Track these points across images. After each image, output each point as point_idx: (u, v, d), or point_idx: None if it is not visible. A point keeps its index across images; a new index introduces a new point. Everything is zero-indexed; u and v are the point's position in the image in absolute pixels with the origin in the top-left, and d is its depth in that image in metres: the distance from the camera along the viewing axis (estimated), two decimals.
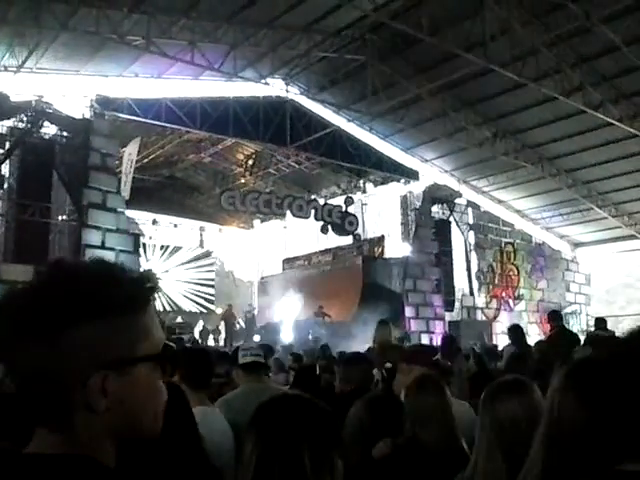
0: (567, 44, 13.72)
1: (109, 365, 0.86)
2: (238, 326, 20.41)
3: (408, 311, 19.15)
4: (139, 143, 17.66)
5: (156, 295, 0.97)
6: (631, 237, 22.72)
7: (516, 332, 7.96)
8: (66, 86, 15.27)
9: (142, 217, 22.73)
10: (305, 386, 4.06)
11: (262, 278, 25.46)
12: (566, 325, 15.75)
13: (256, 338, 18.04)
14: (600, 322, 9.60)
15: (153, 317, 0.95)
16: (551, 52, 13.60)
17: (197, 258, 25.31)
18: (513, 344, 7.74)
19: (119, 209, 15.01)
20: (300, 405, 1.70)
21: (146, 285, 0.96)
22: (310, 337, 15.44)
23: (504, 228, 23.04)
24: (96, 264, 0.96)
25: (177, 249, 24.70)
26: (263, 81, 16.39)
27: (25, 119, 14.12)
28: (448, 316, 20.32)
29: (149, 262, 23.01)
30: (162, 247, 24.18)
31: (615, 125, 15.48)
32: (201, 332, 20.52)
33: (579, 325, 22.33)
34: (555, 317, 8.63)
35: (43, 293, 0.89)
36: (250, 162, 22.25)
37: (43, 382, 0.86)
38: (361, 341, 14.02)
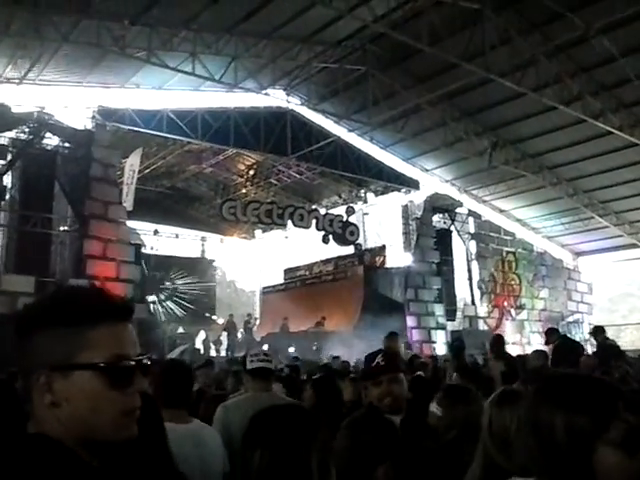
0: (566, 54, 13.78)
1: (53, 367, 1.04)
2: (240, 336, 20.37)
3: (410, 321, 19.09)
4: (141, 154, 17.71)
5: (118, 314, 1.12)
6: (633, 246, 22.69)
7: (497, 343, 7.95)
8: (68, 97, 15.40)
9: (143, 227, 22.72)
10: (325, 398, 4.02)
11: (263, 288, 25.46)
12: (568, 334, 15.76)
13: (264, 347, 18.05)
14: (599, 331, 9.52)
15: (110, 332, 1.09)
16: (550, 62, 13.64)
17: (198, 268, 25.28)
18: (495, 354, 7.72)
19: (120, 220, 15.03)
20: (302, 415, 1.71)
21: (98, 304, 1.10)
22: (314, 347, 15.41)
23: (505, 237, 23.02)
24: (69, 287, 1.24)
25: (178, 259, 24.68)
26: (264, 92, 16.46)
27: (27, 130, 14.19)
28: (450, 326, 20.27)
29: (150, 272, 23.03)
30: (163, 257, 24.16)
31: (615, 134, 15.51)
32: (203, 342, 20.48)
33: (581, 334, 22.25)
34: (552, 333, 8.68)
35: (25, 307, 1.12)
36: (251, 172, 22.31)
37: (20, 376, 1.10)
38: (363, 350, 14.01)
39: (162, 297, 23.47)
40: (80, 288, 1.17)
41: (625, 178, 18.56)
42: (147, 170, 19.81)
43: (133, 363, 1.09)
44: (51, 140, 14.77)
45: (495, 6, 12.34)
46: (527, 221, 23.29)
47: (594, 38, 12.47)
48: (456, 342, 9.94)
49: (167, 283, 23.87)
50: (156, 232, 23.91)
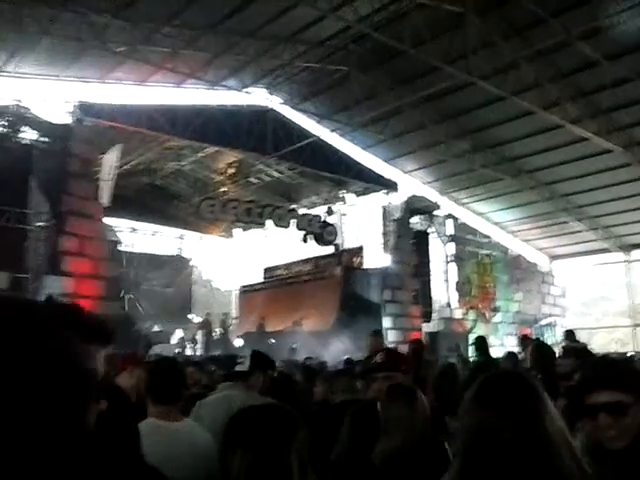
0: (547, 59, 13.93)
1: None
2: (216, 335, 20.28)
3: (386, 322, 19.17)
4: (120, 150, 17.50)
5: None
6: (606, 250, 23.06)
7: (481, 343, 8.06)
8: (47, 91, 15.15)
9: (121, 224, 22.53)
10: (281, 395, 4.05)
11: (242, 287, 25.37)
12: (540, 337, 16.01)
13: (239, 342, 18.15)
14: (570, 335, 9.79)
15: None
16: (531, 66, 13.79)
17: (176, 266, 25.12)
18: (480, 355, 7.84)
19: (97, 216, 14.85)
20: (282, 414, 1.70)
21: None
22: (294, 347, 15.41)
23: (482, 240, 23.22)
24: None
25: (156, 257, 24.50)
26: (246, 90, 16.41)
27: (3, 123, 13.95)
28: (426, 327, 20.38)
29: (127, 270, 22.81)
30: (140, 255, 23.96)
31: (592, 140, 15.73)
32: (179, 341, 20.35)
33: (554, 337, 22.55)
34: (525, 339, 8.86)
35: None
36: (231, 170, 22.16)
37: None
38: (340, 351, 14.03)
39: (138, 295, 23.27)
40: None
41: (601, 183, 18.82)
42: (126, 166, 19.60)
43: None
44: (28, 134, 14.54)
45: (478, 10, 12.43)
46: (504, 224, 23.52)
47: (574, 44, 12.64)
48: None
49: (144, 281, 23.66)
50: (134, 229, 23.73)
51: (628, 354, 15.67)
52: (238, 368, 3.69)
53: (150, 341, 16.97)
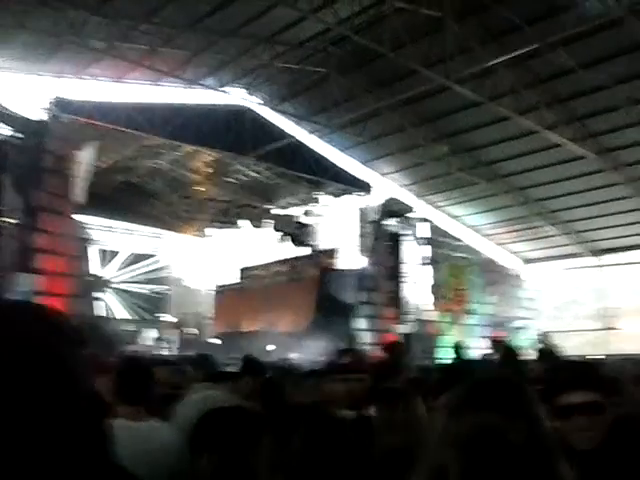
0: (523, 65, 14.10)
1: None
2: (191, 334, 20.18)
3: (361, 323, 19.24)
4: (96, 147, 17.30)
5: None
6: (578, 255, 23.39)
7: (459, 348, 8.17)
8: (22, 86, 14.92)
9: (95, 222, 22.26)
10: (268, 399, 4.04)
11: (217, 287, 25.26)
12: (514, 340, 16.17)
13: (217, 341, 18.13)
14: (545, 337, 9.94)
15: None
16: (508, 72, 13.94)
17: (150, 265, 24.92)
18: (457, 359, 7.93)
19: (71, 214, 14.68)
20: (246, 417, 1.70)
21: None
22: (269, 347, 15.40)
23: (457, 243, 23.39)
24: None
25: (130, 256, 24.28)
26: (224, 89, 16.33)
27: None
28: (400, 329, 20.47)
29: (101, 268, 22.59)
30: (114, 253, 23.74)
31: (567, 146, 15.95)
32: (154, 341, 20.20)
33: (527, 340, 22.80)
34: (497, 342, 8.97)
35: None
36: (208, 170, 22.06)
37: None
38: (315, 352, 14.06)
39: (111, 294, 23.05)
40: None
41: (575, 189, 19.09)
42: (102, 164, 19.37)
43: None
44: (1, 129, 14.32)
45: (456, 15, 12.54)
46: (479, 228, 23.72)
47: (550, 52, 12.81)
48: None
49: (117, 280, 23.46)
50: (109, 227, 23.47)
51: (598, 357, 15.93)
52: (229, 369, 3.68)
53: (123, 341, 16.85)
